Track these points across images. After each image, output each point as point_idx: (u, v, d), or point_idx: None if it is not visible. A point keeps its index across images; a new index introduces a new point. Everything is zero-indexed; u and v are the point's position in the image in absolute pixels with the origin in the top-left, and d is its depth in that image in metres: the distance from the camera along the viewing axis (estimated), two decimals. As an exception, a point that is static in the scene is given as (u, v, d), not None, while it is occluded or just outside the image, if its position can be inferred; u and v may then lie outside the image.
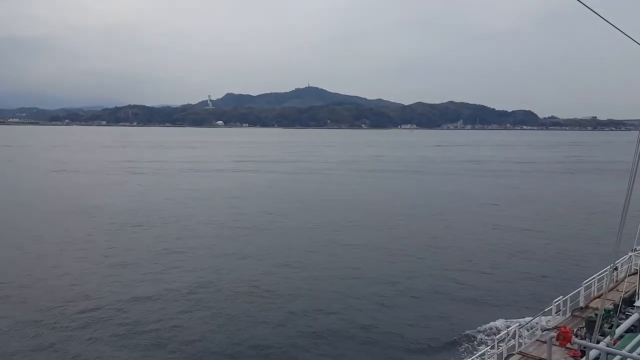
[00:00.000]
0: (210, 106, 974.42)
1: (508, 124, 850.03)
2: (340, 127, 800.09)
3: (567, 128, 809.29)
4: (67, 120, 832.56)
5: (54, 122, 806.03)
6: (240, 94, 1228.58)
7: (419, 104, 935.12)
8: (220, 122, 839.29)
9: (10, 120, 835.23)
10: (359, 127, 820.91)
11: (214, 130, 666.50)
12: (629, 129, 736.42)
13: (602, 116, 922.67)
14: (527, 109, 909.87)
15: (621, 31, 13.41)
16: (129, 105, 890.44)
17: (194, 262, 40.25)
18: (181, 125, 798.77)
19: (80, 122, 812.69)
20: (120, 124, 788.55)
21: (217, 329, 28.29)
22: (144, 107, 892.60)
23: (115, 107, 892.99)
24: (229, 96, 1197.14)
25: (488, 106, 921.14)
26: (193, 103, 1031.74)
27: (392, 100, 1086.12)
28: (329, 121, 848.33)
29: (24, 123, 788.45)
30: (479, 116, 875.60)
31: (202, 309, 30.67)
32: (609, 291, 23.73)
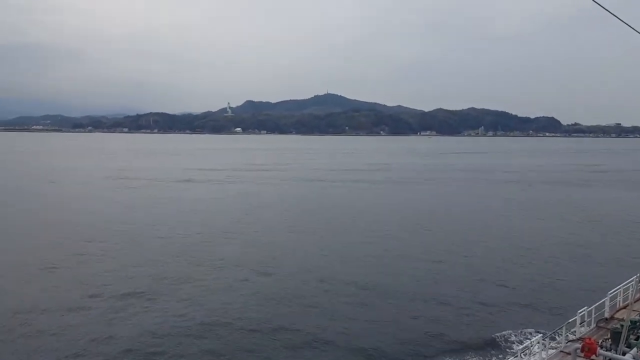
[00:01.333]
0: (230, 113, 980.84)
1: (530, 131, 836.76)
2: (358, 134, 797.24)
3: (590, 135, 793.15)
4: (89, 128, 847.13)
5: (76, 130, 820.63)
6: (259, 101, 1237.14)
7: (439, 110, 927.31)
8: (239, 129, 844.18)
9: (34, 127, 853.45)
10: (378, 133, 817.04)
11: (234, 137, 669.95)
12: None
13: (627, 123, 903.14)
14: (549, 116, 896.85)
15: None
16: (150, 112, 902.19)
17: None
18: (201, 132, 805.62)
19: (102, 130, 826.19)
20: (142, 131, 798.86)
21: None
22: (164, 114, 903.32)
23: (137, 115, 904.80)
24: (249, 103, 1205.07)
25: (510, 112, 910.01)
26: (213, 110, 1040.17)
27: (412, 106, 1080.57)
28: (347, 128, 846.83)
29: (47, 130, 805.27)
30: (500, 123, 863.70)
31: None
32: (634, 302, 23.50)
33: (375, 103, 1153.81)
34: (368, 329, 29.49)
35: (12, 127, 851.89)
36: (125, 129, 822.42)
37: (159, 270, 40.61)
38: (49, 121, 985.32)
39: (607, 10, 10.40)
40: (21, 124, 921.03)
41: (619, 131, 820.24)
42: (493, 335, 28.65)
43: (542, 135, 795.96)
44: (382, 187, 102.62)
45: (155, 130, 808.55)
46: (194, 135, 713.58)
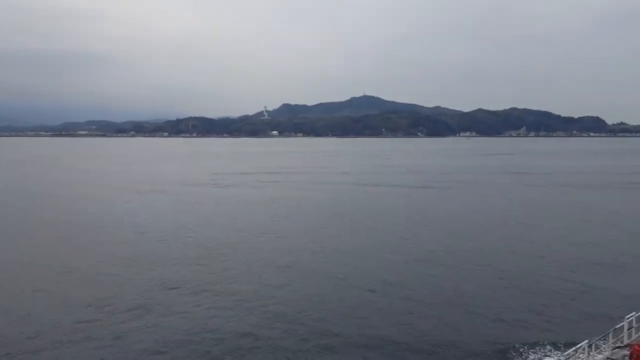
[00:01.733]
0: (266, 117, 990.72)
1: (574, 131, 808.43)
2: (395, 136, 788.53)
3: (637, 135, 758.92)
4: (132, 132, 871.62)
5: (119, 134, 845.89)
6: (296, 104, 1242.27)
7: (479, 110, 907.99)
8: (275, 132, 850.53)
9: (80, 132, 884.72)
10: (415, 135, 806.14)
11: (272, 140, 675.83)
12: None
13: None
14: (594, 115, 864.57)
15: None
16: (190, 117, 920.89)
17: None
18: (238, 135, 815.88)
19: (144, 134, 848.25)
20: (181, 135, 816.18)
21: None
22: (203, 118, 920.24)
23: (177, 119, 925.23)
24: (285, 106, 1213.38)
25: (553, 112, 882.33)
26: (250, 114, 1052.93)
27: (451, 107, 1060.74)
28: (383, 130, 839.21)
29: (91, 135, 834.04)
30: (543, 123, 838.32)
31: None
32: None
33: (412, 104, 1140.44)
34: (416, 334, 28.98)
35: (58, 133, 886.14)
36: (166, 133, 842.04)
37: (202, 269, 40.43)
38: (94, 126, 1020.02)
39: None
40: (67, 129, 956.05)
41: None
42: (537, 341, 27.74)
43: (586, 135, 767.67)
44: (412, 192, 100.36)
45: (194, 134, 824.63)
46: (230, 139, 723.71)
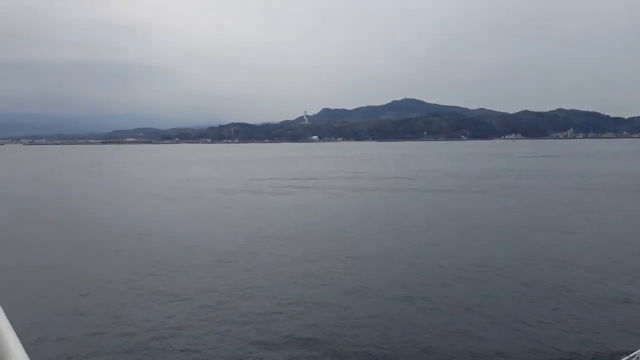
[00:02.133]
0: (306, 121, 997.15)
1: (625, 132, 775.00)
2: (437, 139, 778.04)
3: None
4: (176, 139, 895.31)
5: (165, 141, 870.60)
6: (336, 109, 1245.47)
7: (525, 112, 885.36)
8: (315, 137, 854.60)
9: (127, 139, 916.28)
10: (459, 137, 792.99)
11: (312, 145, 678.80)
12: None
13: None
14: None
15: None
16: (232, 123, 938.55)
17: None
18: (279, 140, 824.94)
19: (188, 140, 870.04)
20: (224, 141, 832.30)
21: None
22: (245, 124, 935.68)
23: (219, 126, 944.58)
24: (325, 111, 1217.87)
25: (602, 113, 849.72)
26: (291, 119, 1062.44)
27: (496, 109, 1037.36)
28: (425, 133, 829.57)
29: (138, 142, 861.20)
30: (591, 124, 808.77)
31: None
32: None
33: (455, 106, 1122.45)
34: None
35: (107, 140, 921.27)
36: (209, 140, 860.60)
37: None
38: (141, 134, 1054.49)
39: None
40: (117, 137, 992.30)
41: None
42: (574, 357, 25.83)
43: (637, 136, 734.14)
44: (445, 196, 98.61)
45: (236, 140, 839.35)
46: (271, 144, 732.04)
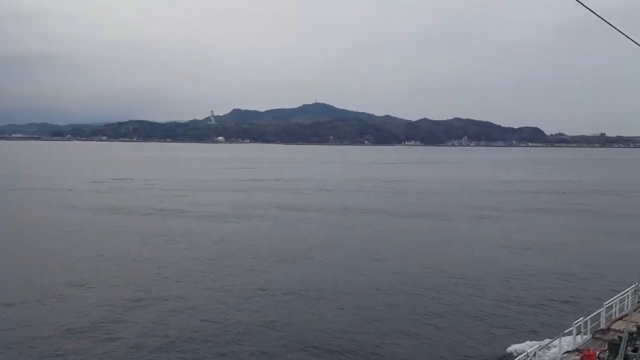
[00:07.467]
0: (213, 122, 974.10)
1: (514, 141, 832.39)
2: (342, 144, 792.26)
3: (574, 145, 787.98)
4: (68, 136, 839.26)
5: (56, 138, 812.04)
6: (247, 110, 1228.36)
7: (424, 120, 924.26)
8: (221, 137, 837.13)
9: (14, 135, 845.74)
10: (362, 143, 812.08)
11: (217, 146, 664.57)
12: (638, 146, 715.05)
13: (611, 133, 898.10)
14: (534, 126, 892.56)
15: (636, 42, 13.25)
16: (131, 120, 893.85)
17: None
18: (182, 140, 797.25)
19: (81, 138, 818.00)
20: (121, 139, 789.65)
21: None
22: (145, 122, 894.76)
23: (118, 123, 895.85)
24: (236, 112, 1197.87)
25: (494, 123, 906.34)
26: (199, 119, 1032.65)
27: (400, 116, 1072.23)
28: (331, 137, 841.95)
29: (25, 139, 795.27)
30: (484, 133, 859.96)
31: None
32: (633, 312, 23.62)
33: (362, 113, 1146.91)
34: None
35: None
36: (104, 137, 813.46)
37: None
38: (34, 129, 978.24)
39: (598, 15, 10.43)
40: (6, 132, 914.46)
41: (603, 141, 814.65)
42: (486, 349, 27.85)
43: (524, 145, 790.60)
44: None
45: (135, 139, 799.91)
46: (172, 144, 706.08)
